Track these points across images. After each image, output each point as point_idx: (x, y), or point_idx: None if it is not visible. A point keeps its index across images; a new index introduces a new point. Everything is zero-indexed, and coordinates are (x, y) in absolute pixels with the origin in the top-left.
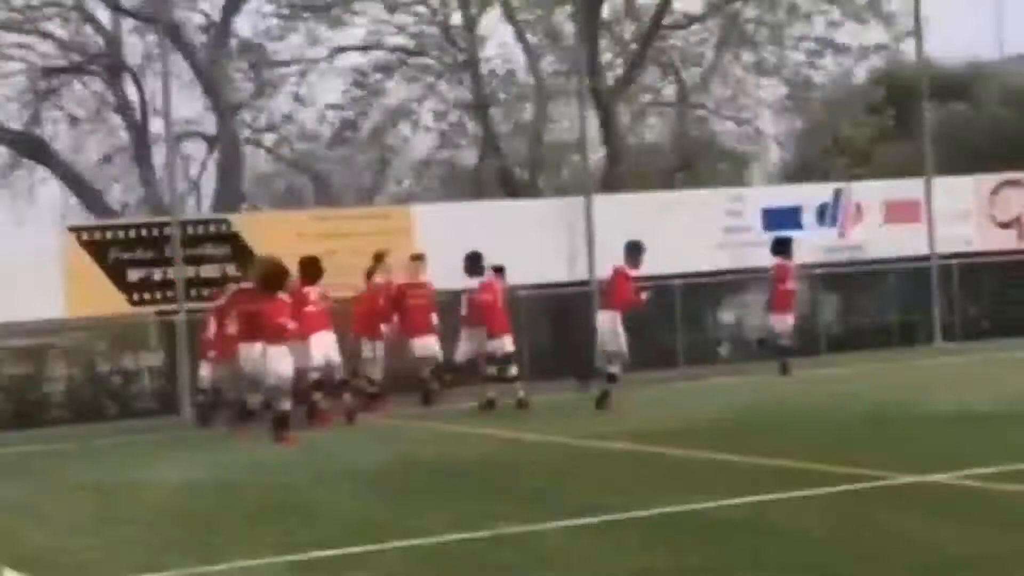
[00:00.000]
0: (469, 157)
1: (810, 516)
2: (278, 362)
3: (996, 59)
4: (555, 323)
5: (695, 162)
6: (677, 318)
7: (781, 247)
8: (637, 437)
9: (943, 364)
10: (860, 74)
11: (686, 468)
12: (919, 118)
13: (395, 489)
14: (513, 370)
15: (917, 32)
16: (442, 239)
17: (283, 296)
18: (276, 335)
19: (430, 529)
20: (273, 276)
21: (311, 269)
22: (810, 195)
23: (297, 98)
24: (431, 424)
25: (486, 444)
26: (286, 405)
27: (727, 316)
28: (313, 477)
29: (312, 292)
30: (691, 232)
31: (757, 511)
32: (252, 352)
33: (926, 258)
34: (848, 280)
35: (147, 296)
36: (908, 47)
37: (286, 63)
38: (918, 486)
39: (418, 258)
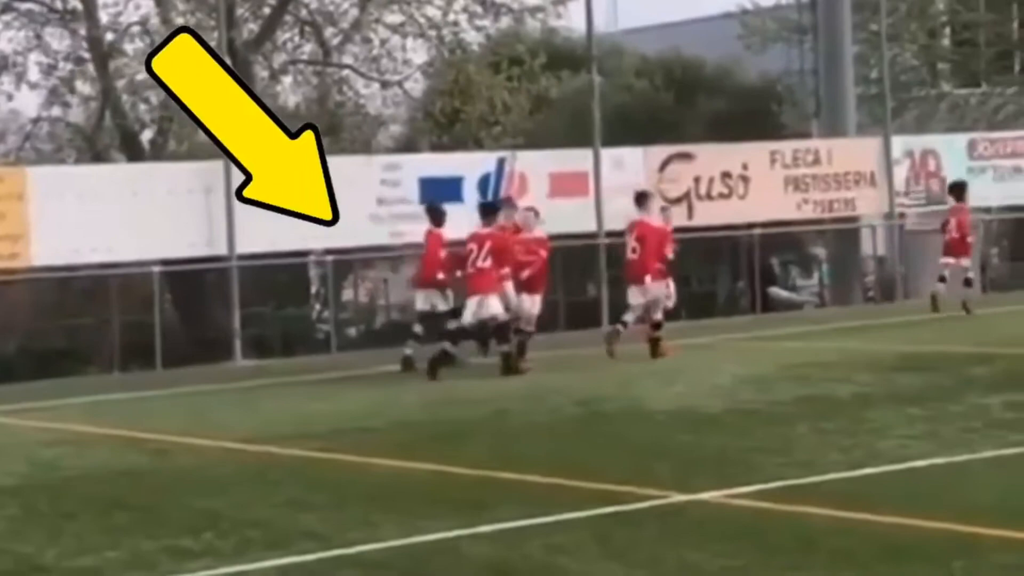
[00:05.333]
0: (81, 116)
1: (586, 551)
2: None
3: (613, 32)
4: (185, 301)
5: (340, 127)
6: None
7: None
8: (291, 440)
9: (629, 351)
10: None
11: (381, 483)
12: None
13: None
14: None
15: None
16: (61, 206)
17: None
18: None
19: None
20: None
21: None
22: (472, 165)
23: None
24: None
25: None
26: None
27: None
28: None
29: None
30: (340, 203)
31: (508, 545)
32: None
33: (594, 235)
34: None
35: None
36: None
37: None
38: (692, 507)
39: None
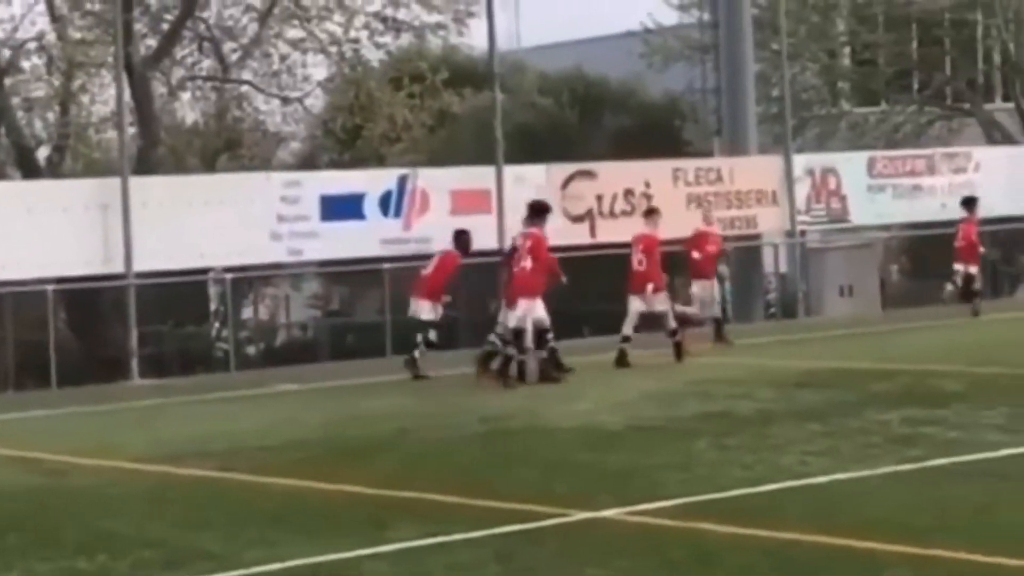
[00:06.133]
0: None
1: (488, 570)
2: None
3: (515, 49)
4: (81, 319)
5: (239, 144)
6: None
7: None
8: (188, 459)
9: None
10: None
11: (280, 502)
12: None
13: None
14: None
15: (490, 15)
16: None
17: None
18: None
19: None
20: None
21: None
22: (373, 182)
23: None
24: None
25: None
26: None
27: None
28: None
29: None
30: (240, 220)
31: (409, 564)
32: None
33: (496, 252)
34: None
35: None
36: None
37: None
38: (594, 525)
39: None
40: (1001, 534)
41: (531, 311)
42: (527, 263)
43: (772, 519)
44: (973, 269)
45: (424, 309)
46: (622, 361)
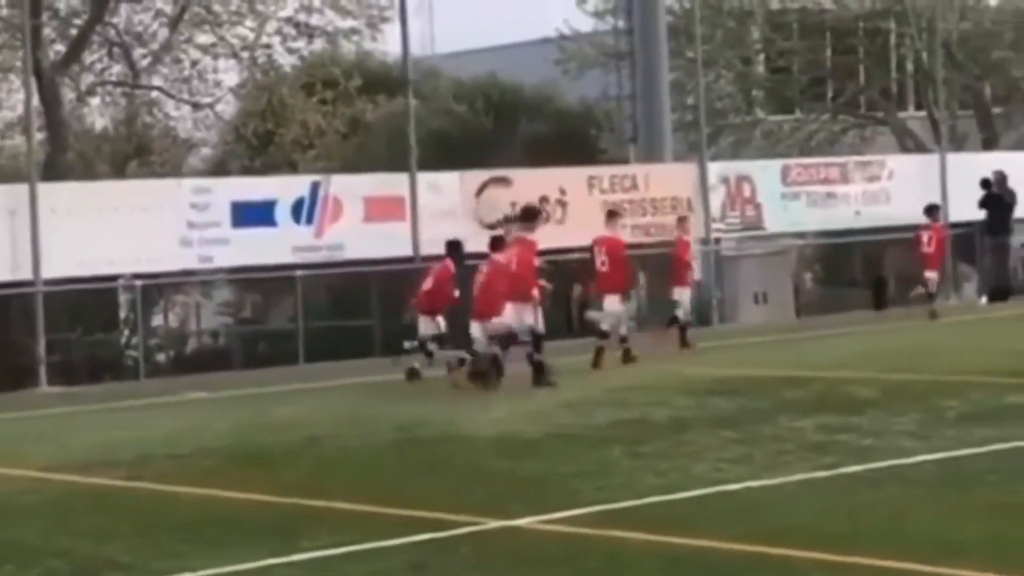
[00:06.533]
0: None
1: None
2: None
3: (430, 55)
4: None
5: (149, 150)
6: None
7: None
8: (96, 468)
9: (436, 376)
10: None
11: (189, 511)
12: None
13: None
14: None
15: (403, 20)
16: None
17: None
18: None
19: None
20: None
21: None
22: (285, 188)
23: None
24: None
25: None
26: None
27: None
28: None
29: None
30: (150, 227)
31: (321, 574)
32: None
33: (410, 259)
34: (330, 281)
35: None
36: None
37: None
38: (508, 534)
39: None
40: (913, 540)
41: (519, 315)
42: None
43: (686, 526)
44: (934, 275)
45: (425, 324)
46: (597, 362)
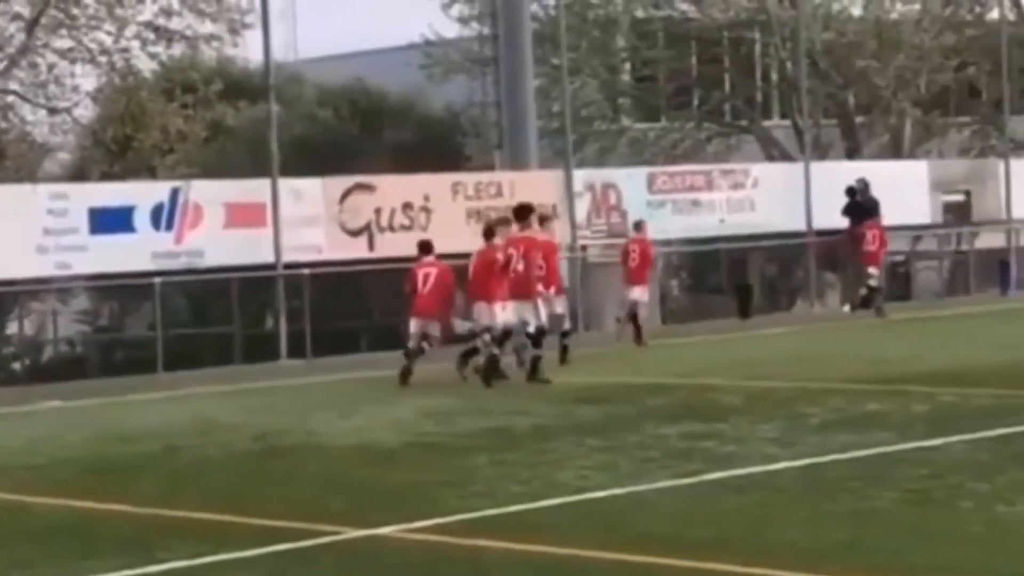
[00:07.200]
0: None
1: None
2: None
3: (293, 60)
4: None
5: (4, 155)
6: None
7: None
8: None
9: (296, 385)
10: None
11: (43, 522)
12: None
13: None
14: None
15: (265, 25)
16: None
17: None
18: None
19: None
20: None
21: None
22: (144, 194)
23: None
24: None
25: None
26: None
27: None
28: None
29: None
30: (5, 234)
31: None
32: None
33: (271, 266)
34: (190, 288)
35: None
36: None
37: None
38: (368, 543)
39: None
40: (775, 546)
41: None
42: (520, 266)
43: (550, 534)
44: (876, 271)
45: (417, 326)
46: (563, 359)
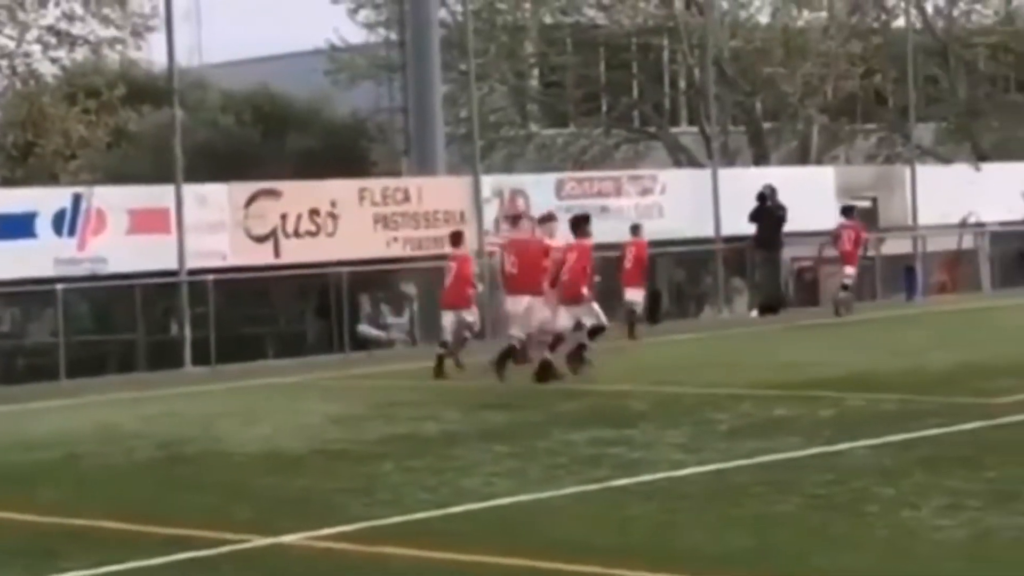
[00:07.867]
0: None
1: None
2: None
3: (197, 65)
4: None
5: None
6: None
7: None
8: None
9: (201, 392)
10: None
11: None
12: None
13: None
14: None
15: (169, 29)
16: None
17: None
18: None
19: None
20: None
21: None
22: (45, 200)
23: None
24: None
25: None
26: None
27: None
28: None
29: None
30: None
31: None
32: None
33: (175, 272)
34: (92, 295)
35: None
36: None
37: None
38: (272, 551)
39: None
40: (681, 552)
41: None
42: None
43: (456, 541)
44: (850, 270)
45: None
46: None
